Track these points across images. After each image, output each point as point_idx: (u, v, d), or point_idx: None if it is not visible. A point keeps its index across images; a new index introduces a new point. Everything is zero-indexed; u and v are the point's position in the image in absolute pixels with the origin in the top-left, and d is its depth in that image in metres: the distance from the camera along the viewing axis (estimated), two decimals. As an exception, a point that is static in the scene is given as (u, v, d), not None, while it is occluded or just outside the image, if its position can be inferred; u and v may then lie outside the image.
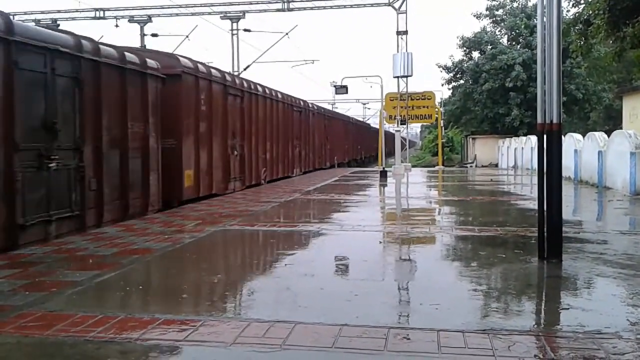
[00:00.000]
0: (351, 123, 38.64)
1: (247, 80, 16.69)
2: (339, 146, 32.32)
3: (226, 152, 14.17)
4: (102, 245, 6.88)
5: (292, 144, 21.39)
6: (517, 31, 34.65)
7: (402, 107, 23.63)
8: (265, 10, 26.47)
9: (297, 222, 9.22)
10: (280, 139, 19.56)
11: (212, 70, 13.70)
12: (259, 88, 17.47)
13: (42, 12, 27.55)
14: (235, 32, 27.80)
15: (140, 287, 5.15)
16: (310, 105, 25.07)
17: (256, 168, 16.77)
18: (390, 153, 44.74)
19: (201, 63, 13.40)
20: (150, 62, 10.44)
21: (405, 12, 23.25)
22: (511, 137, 30.49)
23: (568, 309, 4.30)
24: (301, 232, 7.98)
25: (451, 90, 39.62)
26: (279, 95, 19.69)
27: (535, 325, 3.93)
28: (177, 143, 11.55)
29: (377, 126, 41.66)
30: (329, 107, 45.82)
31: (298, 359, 3.37)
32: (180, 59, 12.26)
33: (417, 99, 26.57)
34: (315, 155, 25.93)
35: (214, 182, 13.28)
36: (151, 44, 26.25)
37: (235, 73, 25.55)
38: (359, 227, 8.28)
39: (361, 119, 55.87)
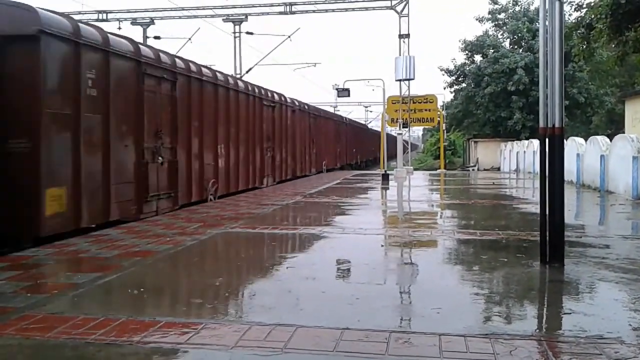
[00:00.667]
0: (344, 123, 34.75)
1: (184, 59, 12.27)
2: (328, 149, 28.62)
3: (141, 159, 9.96)
4: None
5: (261, 146, 17.24)
6: (520, 35, 34.66)
7: (404, 110, 23.63)
8: (267, 13, 26.49)
9: (299, 225, 9.21)
10: (242, 140, 15.39)
11: (113, 38, 9.51)
12: (205, 71, 13.21)
13: (45, 14, 27.62)
14: (237, 34, 27.85)
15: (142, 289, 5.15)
16: (289, 101, 21.14)
17: (199, 180, 12.42)
18: (391, 156, 43.93)
19: (93, 26, 9.42)
20: None
21: (408, 16, 23.26)
22: (513, 140, 30.50)
23: (570, 313, 4.29)
24: (303, 235, 7.98)
25: (453, 94, 39.66)
26: (240, 84, 15.57)
27: (537, 330, 3.93)
28: (33, 145, 7.41)
29: (379, 129, 41.54)
30: (331, 109, 44.46)
31: (299, 363, 3.37)
32: (40, 12, 7.65)
33: (419, 102, 26.57)
34: (297, 161, 21.98)
35: (114, 203, 9.01)
36: (154, 46, 26.29)
37: (238, 75, 25.57)
38: (360, 230, 8.28)
39: (363, 122, 55.77)
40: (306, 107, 23.98)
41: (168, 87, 11.18)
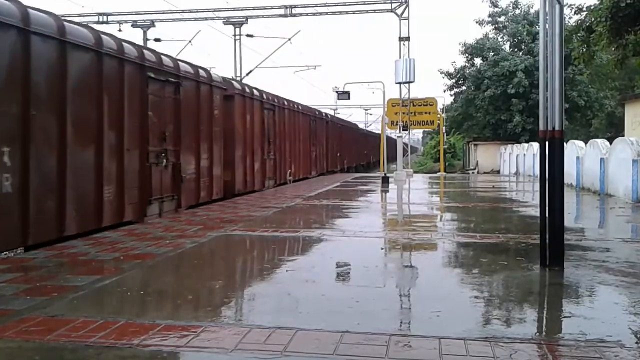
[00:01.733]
0: (324, 120, 27.84)
1: None
2: (297, 153, 21.96)
3: None
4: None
5: (142, 150, 9.84)
6: (519, 38, 34.73)
7: (404, 113, 23.66)
8: (268, 16, 26.53)
9: (298, 228, 9.21)
10: (81, 138, 8.22)
11: None
12: None
13: (46, 17, 27.60)
14: (237, 37, 27.88)
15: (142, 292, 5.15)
16: (219, 79, 14.00)
17: None
18: (390, 159, 42.83)
19: None
20: None
21: (408, 19, 23.31)
22: (513, 143, 30.53)
23: (570, 317, 4.29)
24: (303, 238, 7.98)
25: (453, 97, 39.71)
26: (109, 43, 8.93)
27: (537, 333, 3.92)
28: None
29: (378, 131, 41.41)
30: (331, 112, 42.92)
31: (299, 366, 3.36)
32: None
33: (419, 105, 26.59)
34: (235, 171, 14.69)
35: None
36: (154, 48, 26.27)
37: (237, 78, 25.57)
38: (360, 233, 8.28)
39: (363, 125, 55.64)
40: (255, 92, 16.70)
41: None
